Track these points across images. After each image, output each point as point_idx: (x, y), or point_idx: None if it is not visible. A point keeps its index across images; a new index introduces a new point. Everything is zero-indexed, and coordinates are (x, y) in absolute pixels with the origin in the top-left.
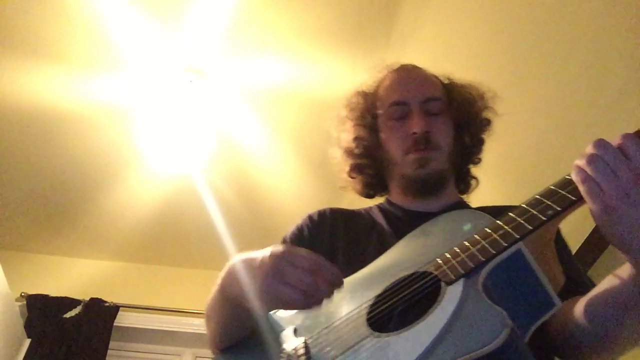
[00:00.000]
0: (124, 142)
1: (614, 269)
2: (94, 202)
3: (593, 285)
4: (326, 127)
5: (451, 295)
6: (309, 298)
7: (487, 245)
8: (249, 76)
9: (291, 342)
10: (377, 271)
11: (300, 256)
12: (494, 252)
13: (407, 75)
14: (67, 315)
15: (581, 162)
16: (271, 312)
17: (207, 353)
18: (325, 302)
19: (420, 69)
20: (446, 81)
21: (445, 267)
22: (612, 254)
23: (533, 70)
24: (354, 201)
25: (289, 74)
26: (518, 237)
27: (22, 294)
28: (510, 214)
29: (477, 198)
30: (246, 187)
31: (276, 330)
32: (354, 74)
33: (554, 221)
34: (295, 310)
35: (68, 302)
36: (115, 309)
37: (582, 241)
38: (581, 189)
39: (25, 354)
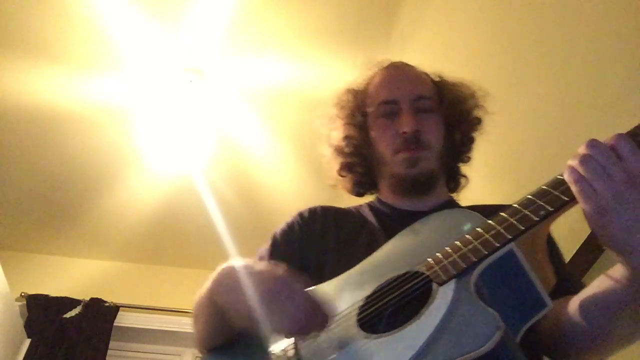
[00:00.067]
0: (124, 142)
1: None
2: (94, 202)
3: (583, 285)
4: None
5: (443, 296)
6: (290, 333)
7: (479, 246)
8: (249, 76)
9: (281, 342)
10: (368, 271)
11: (296, 288)
12: (486, 252)
13: (397, 73)
14: (67, 315)
15: (574, 162)
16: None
17: None
18: (303, 339)
19: (410, 66)
20: (437, 79)
21: (436, 267)
22: (610, 256)
23: (533, 70)
24: (354, 201)
25: (289, 74)
26: (510, 237)
27: (22, 294)
28: (502, 213)
29: (477, 198)
30: (246, 187)
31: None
32: (354, 74)
33: (546, 221)
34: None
35: (68, 302)
36: (115, 309)
37: (580, 243)
38: (574, 189)
39: (25, 354)
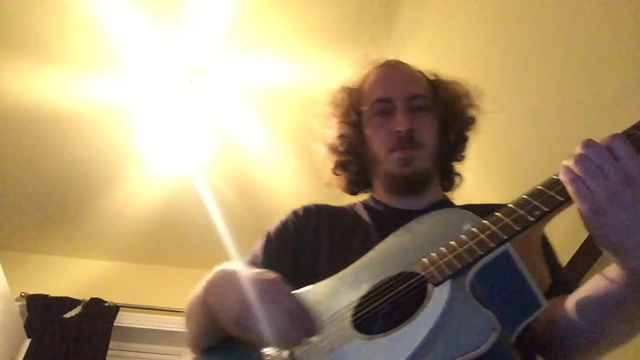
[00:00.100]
0: (124, 142)
1: None
2: (94, 202)
3: (578, 285)
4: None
5: (438, 297)
6: (280, 340)
7: (474, 246)
8: (249, 76)
9: None
10: (363, 270)
11: (284, 296)
12: (482, 253)
13: (392, 71)
14: (67, 315)
15: (570, 162)
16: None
17: None
18: (292, 348)
19: (405, 65)
20: (432, 77)
21: (432, 267)
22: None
23: (533, 70)
24: (353, 201)
25: (289, 74)
26: (505, 238)
27: (22, 294)
28: (497, 213)
29: (477, 197)
30: (246, 187)
31: None
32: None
33: (542, 222)
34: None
35: (68, 302)
36: (115, 309)
37: (579, 245)
38: (569, 189)
39: (25, 354)
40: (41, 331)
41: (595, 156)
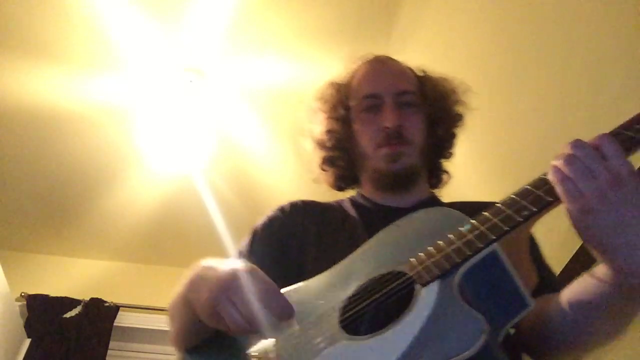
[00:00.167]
0: (124, 142)
1: None
2: (94, 202)
3: (564, 285)
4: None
5: (426, 298)
6: (250, 326)
7: (462, 247)
8: (249, 76)
9: (261, 343)
10: (350, 269)
11: (256, 280)
12: (470, 253)
13: (381, 67)
14: (67, 315)
15: (559, 162)
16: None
17: None
18: (269, 333)
19: (394, 61)
20: (420, 74)
21: (419, 267)
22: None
23: (533, 70)
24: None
25: (289, 74)
26: (494, 238)
27: (22, 294)
28: (486, 213)
29: (477, 197)
30: (246, 187)
31: None
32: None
33: (530, 221)
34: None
35: (68, 302)
36: (115, 309)
37: (578, 248)
38: (558, 189)
39: (25, 354)
40: (41, 331)
41: (584, 156)
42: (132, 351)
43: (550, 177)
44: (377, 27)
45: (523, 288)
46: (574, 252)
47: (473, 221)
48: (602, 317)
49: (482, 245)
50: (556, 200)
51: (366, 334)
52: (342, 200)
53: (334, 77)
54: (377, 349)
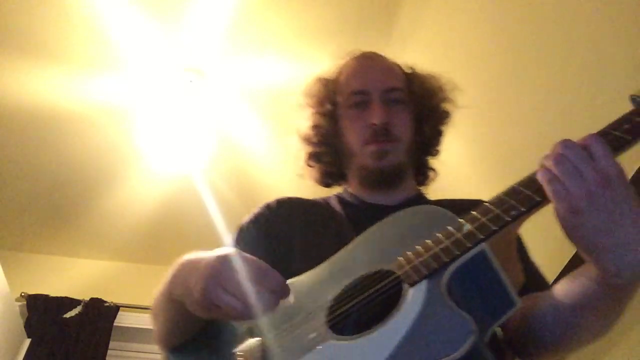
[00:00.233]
0: (124, 142)
1: None
2: (94, 202)
3: (551, 284)
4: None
5: (414, 298)
6: (249, 308)
7: (450, 246)
8: (249, 76)
9: (247, 342)
10: (337, 268)
11: (244, 262)
12: (459, 253)
13: (369, 63)
14: (67, 315)
15: (548, 162)
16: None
17: None
18: (267, 314)
19: (382, 57)
20: (408, 71)
21: (407, 267)
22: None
23: (533, 70)
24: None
25: (289, 74)
26: (482, 237)
27: (22, 294)
28: (474, 212)
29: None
30: (246, 187)
31: (230, 330)
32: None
33: (518, 221)
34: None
35: (68, 302)
36: (115, 309)
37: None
38: (547, 189)
39: (25, 354)
40: (41, 331)
41: (573, 156)
42: (132, 351)
43: (539, 176)
44: (377, 27)
45: (510, 287)
46: (574, 252)
47: (461, 220)
48: (587, 316)
49: (470, 245)
50: (545, 200)
51: (353, 334)
52: (328, 197)
53: (322, 73)
54: (364, 350)
